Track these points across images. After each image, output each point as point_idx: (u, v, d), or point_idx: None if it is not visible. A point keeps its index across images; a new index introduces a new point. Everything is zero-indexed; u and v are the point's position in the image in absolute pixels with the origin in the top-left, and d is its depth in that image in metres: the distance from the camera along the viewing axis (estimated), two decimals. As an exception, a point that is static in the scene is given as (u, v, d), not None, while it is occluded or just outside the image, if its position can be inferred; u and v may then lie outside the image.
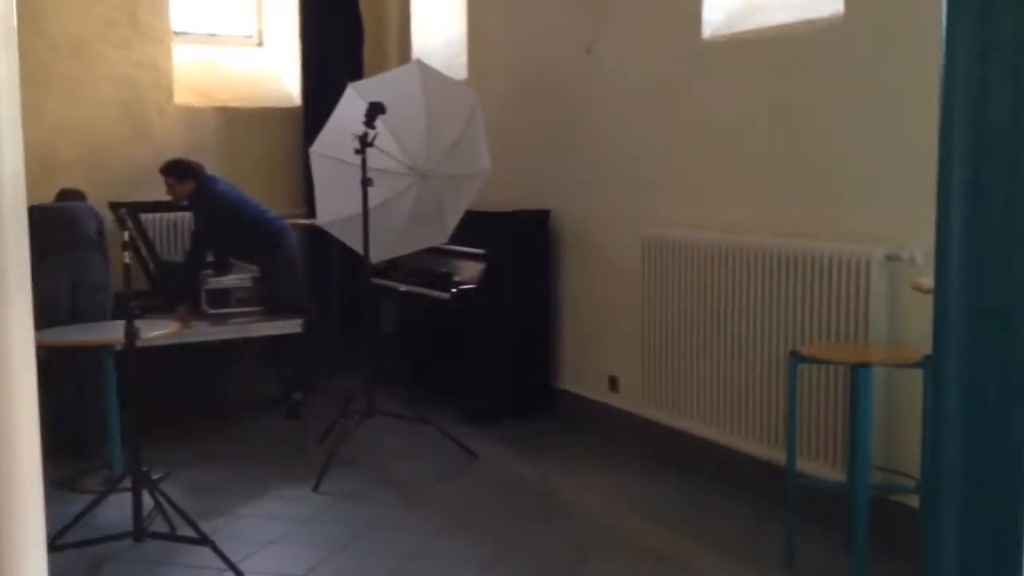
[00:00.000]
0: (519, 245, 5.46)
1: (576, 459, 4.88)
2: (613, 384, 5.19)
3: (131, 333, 3.48)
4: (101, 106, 6.50)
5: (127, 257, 3.51)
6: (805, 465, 3.84)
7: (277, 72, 7.29)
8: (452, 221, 4.99)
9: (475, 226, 5.27)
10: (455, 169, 4.91)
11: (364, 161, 4.58)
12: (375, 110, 4.58)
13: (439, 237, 5.07)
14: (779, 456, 4.02)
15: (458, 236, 5.14)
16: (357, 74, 6.69)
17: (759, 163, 4.28)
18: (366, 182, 4.61)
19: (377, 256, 4.97)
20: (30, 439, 1.99)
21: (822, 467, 3.86)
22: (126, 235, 3.53)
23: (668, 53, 4.74)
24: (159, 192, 5.96)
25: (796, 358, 3.51)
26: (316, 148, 4.99)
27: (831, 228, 3.91)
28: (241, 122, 6.92)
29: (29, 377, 1.98)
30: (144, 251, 6.06)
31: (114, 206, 5.97)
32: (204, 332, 5.34)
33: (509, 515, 4.11)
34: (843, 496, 3.60)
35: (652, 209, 4.85)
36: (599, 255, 5.26)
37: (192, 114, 6.81)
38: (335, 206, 4.96)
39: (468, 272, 5.48)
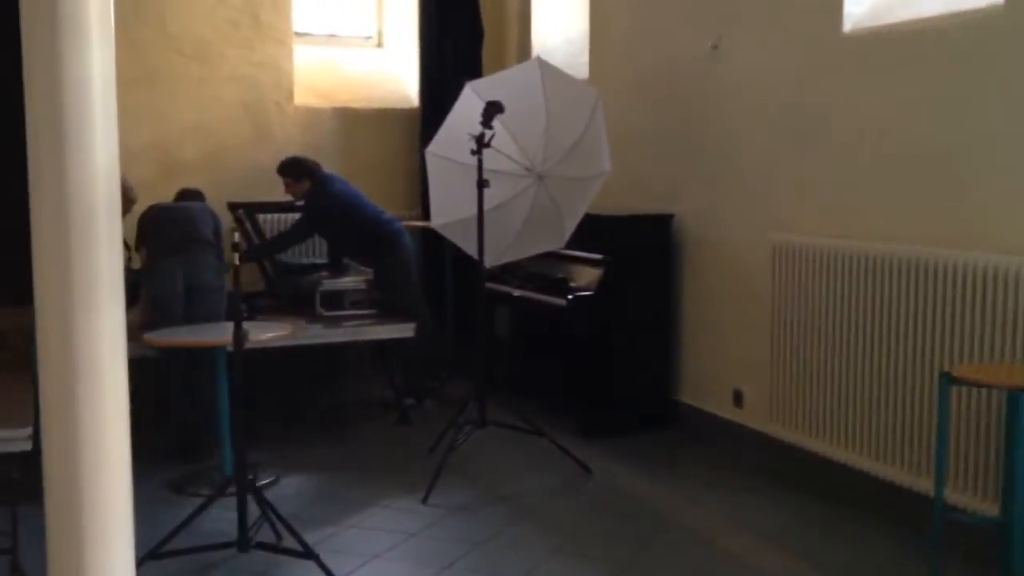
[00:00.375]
0: (640, 250, 5.23)
1: (696, 477, 4.62)
2: (738, 399, 4.90)
3: (239, 336, 3.39)
4: (223, 107, 6.53)
5: (237, 259, 3.41)
6: (953, 495, 3.51)
7: (396, 73, 7.23)
8: (570, 225, 4.78)
9: (594, 230, 5.05)
10: (574, 171, 4.71)
11: (480, 162, 4.42)
12: (492, 109, 4.42)
13: (556, 242, 4.87)
14: (922, 484, 3.70)
15: (576, 240, 4.93)
16: (476, 74, 6.58)
17: (905, 166, 3.94)
18: (482, 184, 4.45)
19: (491, 260, 4.81)
20: (118, 446, 1.89)
21: (972, 499, 3.52)
22: (236, 236, 3.43)
23: (804, 48, 4.44)
24: (278, 193, 5.94)
25: (948, 379, 3.19)
26: (432, 149, 4.86)
27: (985, 237, 3.56)
28: (359, 123, 6.88)
29: (119, 383, 1.88)
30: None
31: (233, 206, 6.03)
32: (317, 335, 5.26)
33: (624, 536, 3.88)
34: (997, 531, 3.26)
35: (783, 214, 4.55)
36: (725, 262, 4.99)
37: (311, 115, 6.79)
38: (450, 208, 4.82)
39: (585, 278, 5.27)
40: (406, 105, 7.04)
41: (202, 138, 6.47)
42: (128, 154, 5.98)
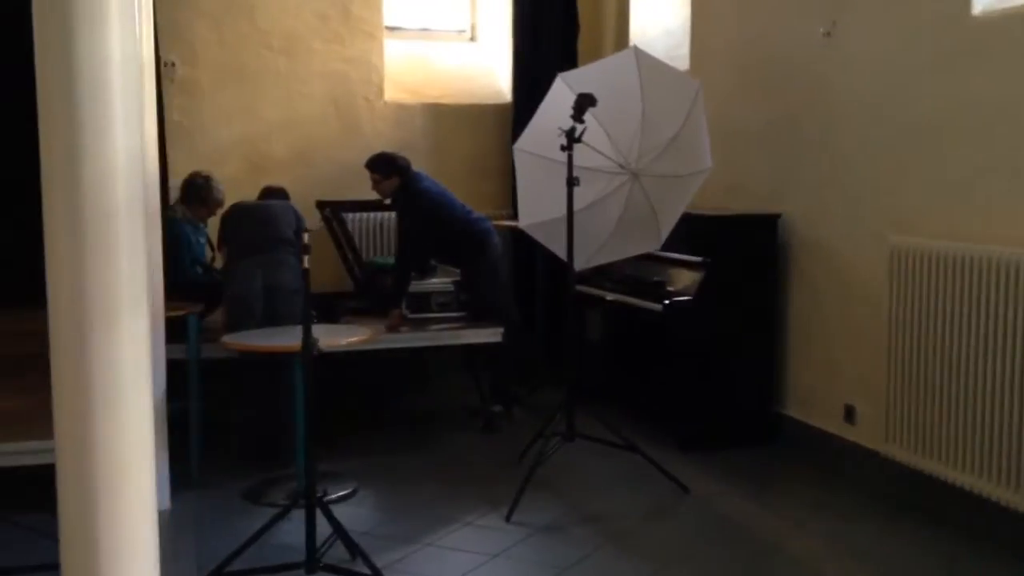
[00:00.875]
0: (743, 253, 4.89)
1: (802, 499, 4.27)
2: (849, 415, 4.52)
3: (307, 343, 3.18)
4: (311, 102, 6.41)
5: (307, 261, 3.21)
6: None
7: (489, 67, 7.01)
8: (667, 226, 4.47)
9: (693, 230, 4.73)
10: (672, 168, 4.40)
11: (570, 158, 4.15)
12: (584, 102, 4.14)
13: (652, 244, 4.56)
14: (1063, 520, 3.29)
15: (673, 242, 4.62)
16: (571, 68, 6.22)
17: (1044, 161, 3.53)
18: (572, 182, 4.18)
19: (582, 263, 4.53)
20: (140, 469, 1.69)
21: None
22: (306, 237, 3.23)
23: (927, 33, 4.04)
24: (367, 191, 5.78)
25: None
26: (520, 144, 4.61)
27: None
28: (450, 119, 6.69)
29: (140, 401, 1.67)
30: (348, 251, 5.88)
31: (321, 205, 5.88)
32: (400, 339, 5.07)
33: (723, 563, 3.57)
34: None
35: (903, 214, 4.16)
36: (836, 266, 4.61)
37: (401, 111, 6.62)
38: (539, 207, 4.56)
39: (683, 281, 4.95)
40: (498, 100, 6.82)
41: (290, 134, 6.36)
42: (218, 151, 6.17)
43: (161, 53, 5.90)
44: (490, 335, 5.21)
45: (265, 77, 6.28)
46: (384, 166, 5.42)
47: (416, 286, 5.41)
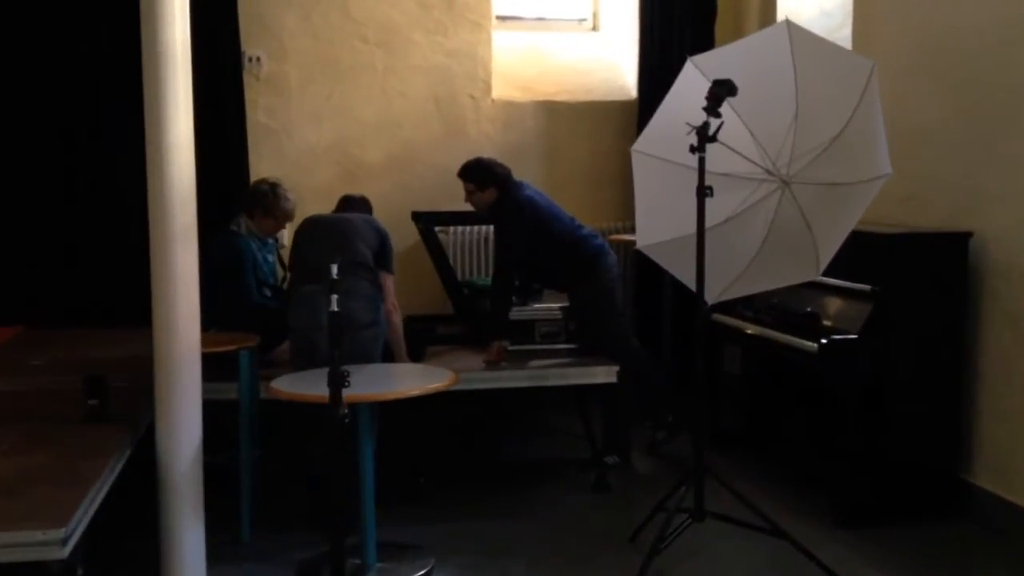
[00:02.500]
0: (923, 280, 3.91)
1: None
2: (1065, 493, 3.48)
3: (336, 406, 2.40)
4: (410, 101, 5.75)
5: (334, 302, 2.44)
6: None
7: (613, 60, 6.20)
8: (828, 250, 3.49)
9: (858, 251, 3.72)
10: (835, 174, 3.44)
11: (702, 162, 3.27)
12: (721, 91, 3.25)
13: (807, 272, 3.58)
14: None
15: (832, 263, 3.63)
16: None
17: None
18: (703, 191, 3.29)
19: (715, 295, 3.62)
20: None
21: None
22: (333, 270, 2.45)
23: None
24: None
25: None
26: (640, 146, 3.73)
27: None
28: (566, 119, 5.92)
29: None
30: (441, 269, 5.14)
31: (416, 216, 5.19)
32: (494, 377, 4.26)
33: None
34: None
35: None
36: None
37: (511, 110, 5.88)
38: (661, 224, 3.67)
39: (844, 314, 3.99)
40: (622, 97, 6.00)
41: (386, 137, 5.72)
42: (307, 155, 5.33)
43: (244, 47, 5.38)
44: (604, 374, 4.34)
45: (359, 73, 5.65)
46: (480, 175, 4.65)
47: (517, 313, 4.61)
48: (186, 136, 3.23)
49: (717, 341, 4.75)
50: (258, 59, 5.51)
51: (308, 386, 3.36)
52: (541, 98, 5.91)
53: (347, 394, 3.02)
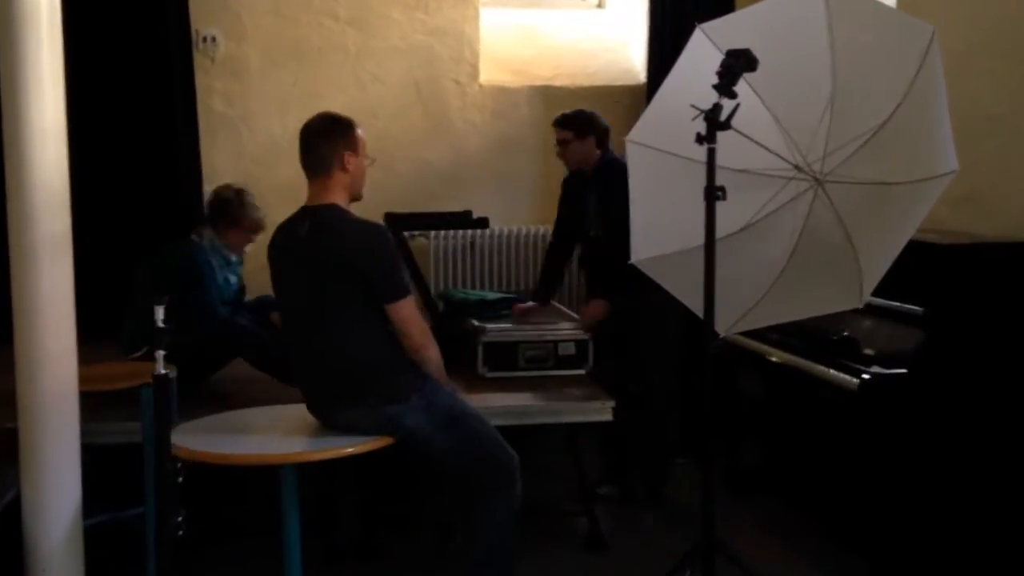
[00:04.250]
0: (992, 300, 3.17)
1: None
2: None
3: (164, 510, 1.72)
4: (387, 87, 5.17)
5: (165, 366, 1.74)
6: None
7: (620, 39, 5.54)
8: (875, 268, 2.74)
9: (905, 264, 2.95)
10: (883, 171, 2.70)
11: (712, 155, 2.55)
12: (737, 64, 2.53)
13: (847, 298, 2.79)
14: None
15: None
16: None
17: None
18: (713, 192, 2.57)
19: (727, 325, 2.88)
20: None
21: None
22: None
23: None
24: (452, 201, 4.45)
25: None
26: (637, 135, 3.00)
27: None
28: (565, 106, 4.98)
29: None
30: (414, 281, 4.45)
31: (390, 218, 4.51)
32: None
33: None
34: None
35: None
36: None
37: (502, 97, 5.28)
38: (660, 232, 2.95)
39: (892, 342, 3.25)
40: (629, 81, 5.36)
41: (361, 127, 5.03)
42: (269, 150, 4.48)
43: (196, 25, 4.79)
44: (597, 411, 3.63)
45: (329, 55, 5.09)
46: (583, 121, 4.08)
47: (496, 333, 3.91)
48: (54, 122, 2.56)
49: (733, 365, 4.04)
50: (213, 39, 4.96)
51: (222, 441, 2.68)
52: (536, 83, 5.29)
53: (270, 453, 2.38)
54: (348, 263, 2.79)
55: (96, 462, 3.05)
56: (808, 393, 3.61)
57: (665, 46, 5.07)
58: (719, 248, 2.66)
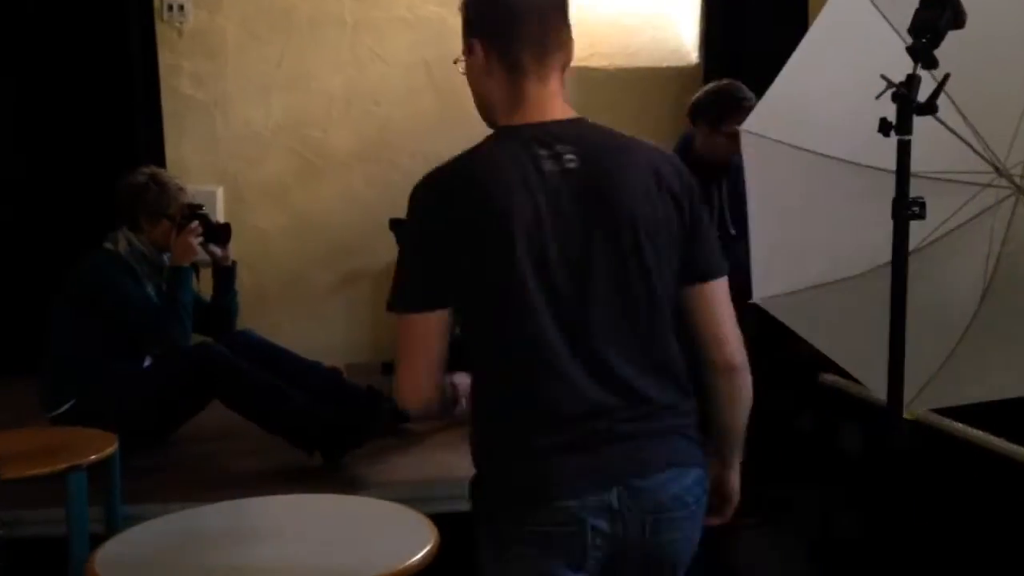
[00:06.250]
0: None
1: None
2: None
3: None
4: (391, 67, 4.61)
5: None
6: None
7: (667, 15, 4.92)
8: None
9: None
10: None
11: (905, 150, 1.77)
12: (943, 18, 1.74)
13: None
14: None
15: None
16: (797, 15, 4.35)
17: None
18: (904, 206, 1.78)
19: (908, 398, 2.08)
20: None
21: None
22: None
23: None
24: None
25: None
26: (755, 123, 2.22)
27: None
28: (602, 90, 4.65)
29: None
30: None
31: (396, 224, 4.06)
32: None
33: None
34: None
35: None
36: None
37: (528, 79, 4.47)
38: (796, 259, 2.17)
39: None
40: (679, 62, 4.75)
41: (358, 116, 4.58)
42: (249, 140, 4.58)
43: None
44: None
45: (322, 29, 4.53)
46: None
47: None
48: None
49: (831, 413, 3.28)
50: (180, 7, 4.36)
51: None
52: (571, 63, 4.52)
53: None
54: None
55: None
56: (972, 466, 2.78)
57: (721, 25, 4.63)
58: (878, 280, 1.89)
